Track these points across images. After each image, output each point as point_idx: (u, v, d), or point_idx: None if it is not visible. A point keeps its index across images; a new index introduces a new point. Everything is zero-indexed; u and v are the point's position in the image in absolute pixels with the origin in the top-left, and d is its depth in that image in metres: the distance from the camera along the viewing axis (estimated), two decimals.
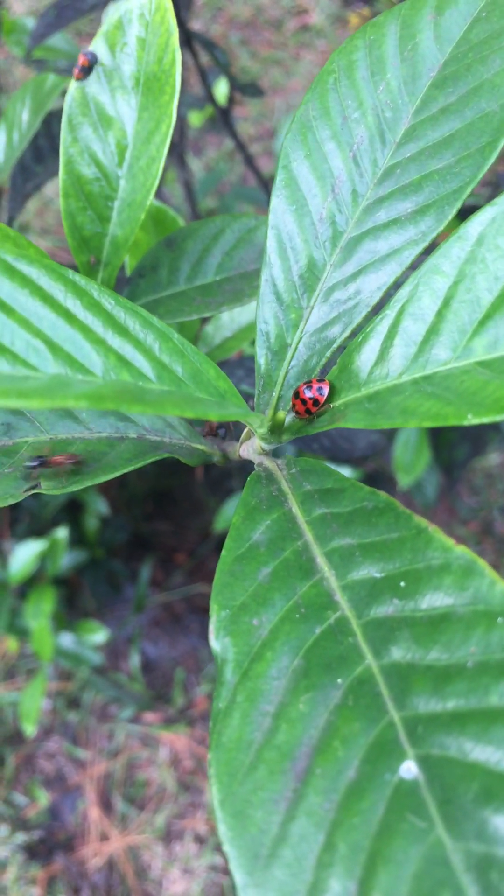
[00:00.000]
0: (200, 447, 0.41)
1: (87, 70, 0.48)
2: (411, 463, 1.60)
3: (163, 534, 2.09)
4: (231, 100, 0.96)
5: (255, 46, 2.77)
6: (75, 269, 0.49)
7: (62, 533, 1.65)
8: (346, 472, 1.56)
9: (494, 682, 0.25)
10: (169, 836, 1.78)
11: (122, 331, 0.31)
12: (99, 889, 1.73)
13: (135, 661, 1.95)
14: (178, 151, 1.13)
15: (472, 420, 0.28)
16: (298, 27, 2.81)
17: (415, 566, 0.29)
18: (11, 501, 0.35)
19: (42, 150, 0.81)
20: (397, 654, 0.28)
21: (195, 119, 1.50)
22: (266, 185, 1.08)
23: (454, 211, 0.36)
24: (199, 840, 1.78)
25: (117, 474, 0.36)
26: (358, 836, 0.24)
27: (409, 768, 0.25)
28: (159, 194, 1.37)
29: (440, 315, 0.33)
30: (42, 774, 1.88)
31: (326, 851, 0.24)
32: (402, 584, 0.29)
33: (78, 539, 1.84)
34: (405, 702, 0.26)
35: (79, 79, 0.49)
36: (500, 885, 0.22)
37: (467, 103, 0.38)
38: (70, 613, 1.96)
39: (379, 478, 1.76)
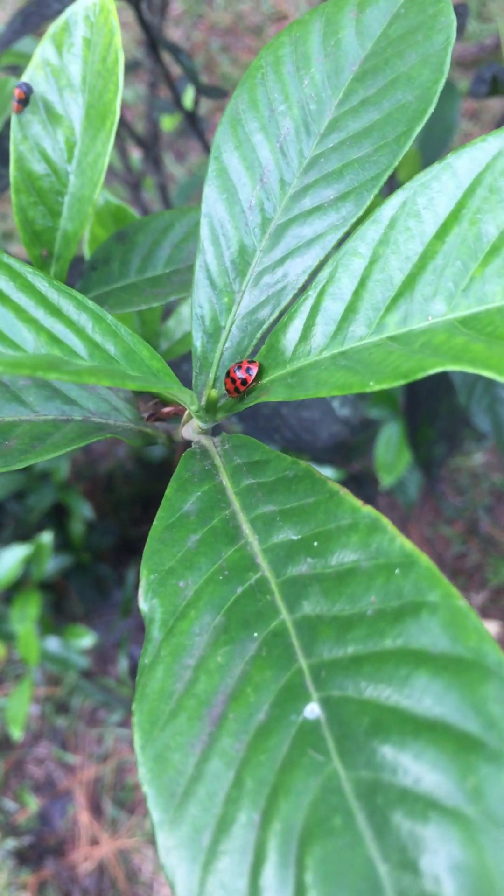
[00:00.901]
0: (146, 430, 0.43)
1: (24, 101, 0.50)
2: (392, 463, 1.62)
3: None
4: (196, 102, 0.98)
5: (236, 53, 2.80)
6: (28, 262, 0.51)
7: (47, 537, 1.67)
8: (328, 472, 1.58)
9: (389, 627, 0.27)
10: None
11: (55, 311, 0.33)
12: (90, 893, 1.74)
13: (123, 665, 1.96)
14: (152, 155, 1.15)
15: (373, 387, 0.29)
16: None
17: (327, 527, 0.31)
18: None
19: (5, 153, 0.82)
20: (308, 607, 0.29)
21: (167, 123, 1.52)
22: None
23: (371, 197, 0.38)
24: None
25: (62, 452, 0.38)
26: (264, 771, 0.26)
27: (312, 709, 0.27)
28: (139, 200, 1.39)
29: (357, 294, 0.35)
30: (31, 780, 1.89)
31: (235, 787, 0.26)
32: (315, 543, 0.31)
33: (64, 544, 1.85)
34: (312, 650, 0.28)
35: (18, 111, 0.51)
36: (384, 808, 0.24)
37: (385, 95, 0.40)
38: (57, 618, 1.97)
39: (363, 478, 1.78)
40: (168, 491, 0.36)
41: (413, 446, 1.37)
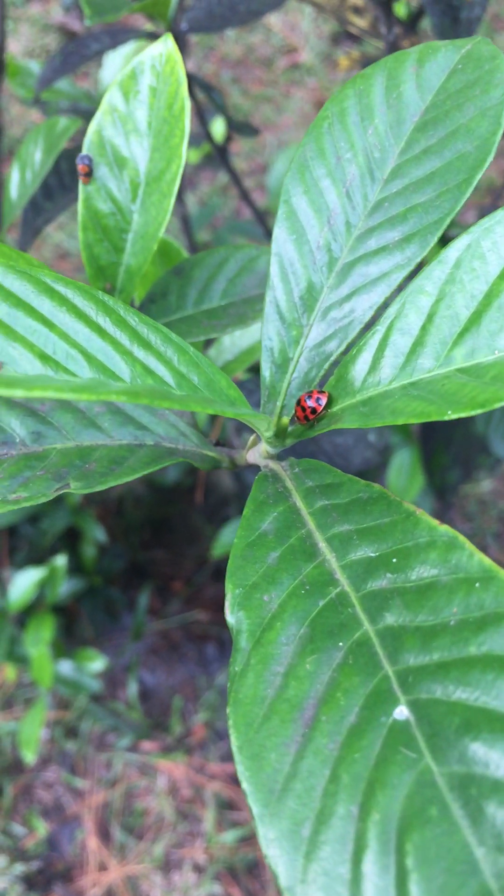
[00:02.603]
0: (211, 454, 0.46)
1: (89, 173, 0.54)
2: (405, 488, 1.64)
3: (160, 562, 2.12)
4: (228, 138, 1.02)
5: (247, 84, 2.85)
6: None
7: (61, 560, 1.68)
8: None
9: (473, 636, 0.29)
10: (168, 866, 1.79)
11: (146, 344, 0.36)
12: None
13: (132, 689, 1.97)
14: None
15: (451, 415, 0.32)
16: (288, 65, 2.90)
17: (405, 545, 0.34)
18: (44, 500, 0.39)
19: (51, 187, 0.86)
20: (390, 619, 0.32)
21: (192, 156, 1.56)
22: (261, 216, 1.14)
23: (436, 239, 0.41)
24: (198, 869, 1.78)
25: (138, 475, 0.41)
26: (358, 768, 0.28)
27: (401, 711, 0.29)
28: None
29: (424, 329, 0.38)
30: (40, 804, 1.89)
31: (332, 782, 0.28)
32: (394, 560, 0.34)
33: (76, 567, 1.87)
34: (397, 658, 0.31)
35: (87, 183, 0.54)
36: (478, 798, 0.26)
37: (446, 145, 0.43)
38: (68, 642, 1.98)
39: None
40: (246, 511, 0.38)
41: (427, 472, 1.39)
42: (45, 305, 0.34)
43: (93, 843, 1.83)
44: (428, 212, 0.42)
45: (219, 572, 2.11)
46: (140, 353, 0.35)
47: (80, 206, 0.52)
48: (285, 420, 0.42)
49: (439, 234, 0.41)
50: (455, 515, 2.13)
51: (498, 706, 0.27)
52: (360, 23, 0.75)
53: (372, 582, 0.34)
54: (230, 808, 1.81)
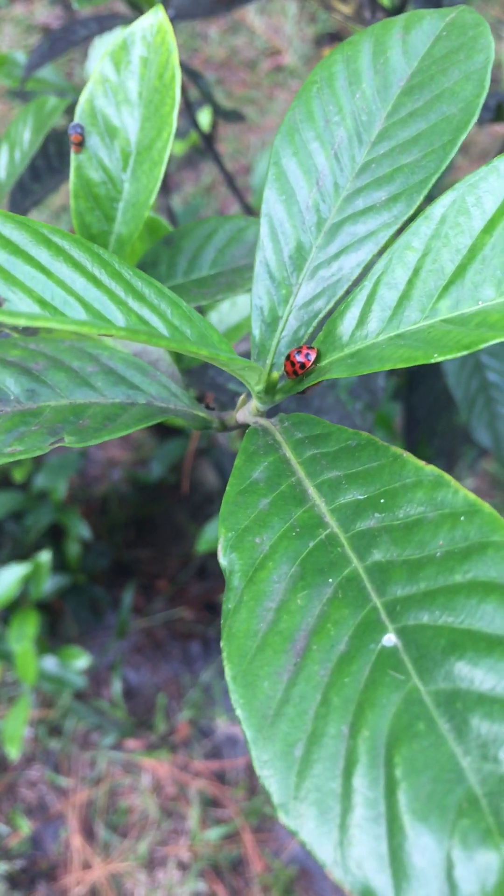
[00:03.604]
0: (201, 414, 0.47)
1: (82, 142, 0.55)
2: None
3: (144, 560, 2.12)
4: (214, 126, 1.03)
5: (231, 86, 2.87)
6: None
7: (46, 556, 1.68)
8: None
9: (458, 565, 0.30)
10: (152, 864, 1.79)
11: (140, 297, 0.37)
12: None
13: (116, 687, 1.96)
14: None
15: (437, 358, 0.33)
16: (272, 68, 2.92)
17: (392, 485, 0.35)
18: (39, 453, 0.40)
19: (39, 168, 0.87)
20: (378, 555, 0.33)
21: (178, 147, 1.57)
22: (249, 209, 1.15)
23: (421, 197, 0.42)
24: (183, 867, 1.78)
25: (131, 430, 0.41)
26: (348, 691, 0.29)
27: (389, 638, 0.30)
28: None
29: (410, 283, 0.39)
30: (24, 803, 1.88)
31: (323, 705, 0.29)
32: (382, 501, 0.34)
33: (60, 564, 1.87)
34: (385, 590, 0.32)
35: (78, 152, 0.55)
36: (463, 711, 0.27)
37: (431, 108, 0.44)
38: (52, 640, 1.97)
39: None
40: (237, 461, 0.39)
41: None
42: (42, 255, 0.35)
43: (77, 841, 1.82)
44: (414, 172, 0.43)
45: (203, 570, 2.11)
46: (134, 304, 0.36)
47: (71, 174, 0.53)
48: (275, 374, 0.43)
49: (425, 192, 0.42)
50: None
51: (482, 627, 0.28)
52: (345, 9, 0.77)
53: (360, 522, 0.35)
54: (214, 805, 1.81)
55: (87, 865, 1.81)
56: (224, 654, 0.32)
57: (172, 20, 0.84)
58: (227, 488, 0.38)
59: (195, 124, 0.95)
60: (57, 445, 0.40)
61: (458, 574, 0.30)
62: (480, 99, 0.42)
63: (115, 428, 0.42)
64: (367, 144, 0.46)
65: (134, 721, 1.94)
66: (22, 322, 0.25)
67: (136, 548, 2.12)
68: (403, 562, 0.32)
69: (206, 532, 1.68)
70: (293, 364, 0.43)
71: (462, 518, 0.32)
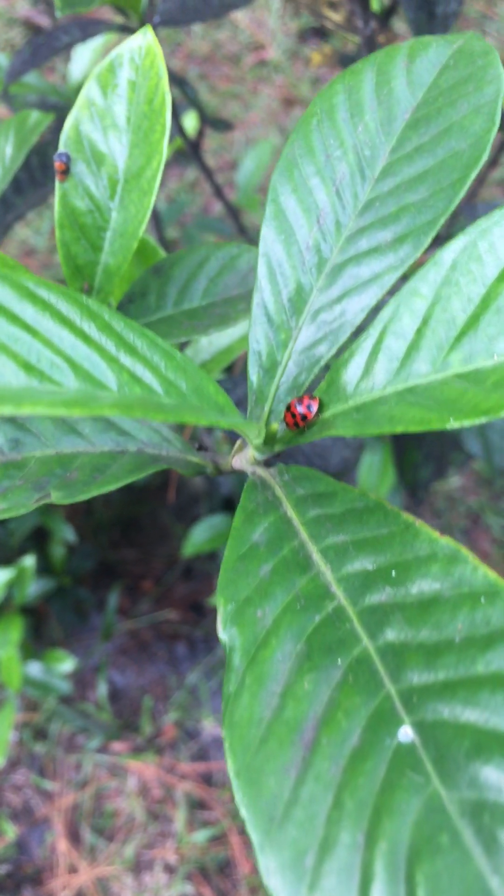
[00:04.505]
0: (195, 460, 0.44)
1: (66, 171, 0.52)
2: (376, 484, 1.64)
3: (130, 561, 2.10)
4: (201, 133, 1.00)
5: (214, 81, 2.83)
6: None
7: (30, 561, 1.66)
8: None
9: (480, 654, 0.28)
10: (139, 867, 1.78)
11: (132, 350, 0.34)
12: None
13: (102, 690, 1.95)
14: None
15: (453, 424, 0.31)
16: (256, 62, 2.88)
17: (404, 557, 0.33)
18: (24, 510, 0.37)
19: (21, 182, 0.84)
20: (391, 635, 0.31)
21: None
22: (234, 212, 1.12)
23: (429, 240, 0.40)
24: (169, 869, 1.77)
25: (121, 484, 0.39)
26: (363, 793, 0.27)
27: (406, 733, 0.28)
28: None
29: (419, 333, 0.37)
30: (8, 807, 1.87)
31: (335, 809, 0.27)
32: (394, 573, 0.32)
33: (44, 567, 1.84)
34: (400, 676, 0.30)
35: (63, 181, 0.53)
36: (492, 826, 0.25)
37: (439, 143, 0.42)
38: (36, 643, 1.95)
39: None
40: (235, 522, 0.37)
41: (399, 469, 1.39)
42: (27, 311, 0.32)
43: (63, 845, 1.81)
44: (421, 212, 0.41)
45: (189, 571, 2.09)
46: (126, 360, 0.34)
47: (56, 203, 0.51)
48: (275, 426, 0.41)
49: (433, 234, 0.40)
50: (424, 511, 2.13)
51: None
52: (335, 17, 0.74)
53: (370, 596, 0.32)
54: (201, 807, 1.80)
55: (73, 869, 1.80)
56: (226, 745, 0.30)
57: (157, 26, 0.81)
58: (226, 552, 0.36)
59: (181, 130, 0.92)
60: (42, 502, 0.38)
61: (480, 665, 0.28)
62: (491, 134, 0.39)
63: (104, 481, 0.39)
64: (370, 181, 0.43)
65: (120, 723, 1.93)
66: (7, 411, 0.23)
67: (122, 549, 2.10)
68: (419, 645, 0.30)
69: (193, 536, 1.66)
70: (293, 415, 0.41)
71: (482, 599, 0.30)
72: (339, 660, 0.31)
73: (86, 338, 0.33)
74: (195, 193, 2.55)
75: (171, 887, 1.73)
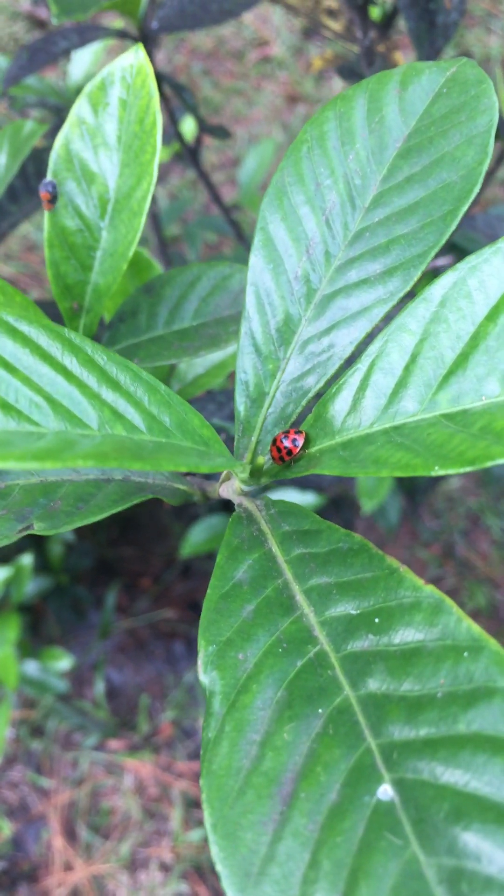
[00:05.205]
0: (182, 487, 0.44)
1: (53, 199, 0.51)
2: (374, 488, 1.63)
3: (128, 559, 2.10)
4: (199, 140, 0.99)
5: (218, 76, 2.82)
6: (58, 315, 0.52)
7: (27, 559, 1.66)
8: (310, 497, 1.59)
9: (462, 712, 0.28)
10: (134, 865, 1.78)
11: (115, 385, 0.34)
12: None
13: (99, 687, 1.95)
14: None
15: (438, 472, 0.30)
16: (260, 58, 2.87)
17: (388, 603, 0.32)
18: (6, 542, 0.37)
19: (16, 190, 0.83)
20: (373, 685, 0.30)
21: (162, 154, 1.53)
22: (229, 215, 1.11)
23: (419, 273, 0.39)
24: (165, 868, 1.77)
25: (106, 515, 0.38)
26: (340, 853, 0.26)
27: (385, 791, 0.27)
28: None
29: (407, 370, 0.36)
30: (5, 804, 1.87)
31: (312, 868, 0.26)
32: (377, 620, 0.32)
33: (42, 565, 1.84)
34: (381, 729, 0.29)
35: (49, 210, 0.52)
36: (469, 895, 0.24)
37: (430, 173, 0.41)
38: (34, 640, 1.95)
39: (342, 503, 1.79)
40: (219, 559, 0.36)
41: None
42: (7, 347, 0.32)
43: (58, 842, 1.81)
44: (411, 244, 0.40)
45: (187, 570, 2.09)
46: (109, 396, 0.33)
47: (46, 222, 0.50)
48: (261, 460, 0.40)
49: (423, 267, 0.39)
50: (423, 512, 2.13)
51: (489, 793, 0.26)
52: (335, 26, 0.73)
53: (353, 642, 0.32)
54: (197, 806, 1.80)
55: (68, 867, 1.80)
56: (203, 796, 0.29)
57: (156, 32, 0.80)
58: (209, 591, 0.35)
59: (179, 137, 0.91)
60: (25, 533, 0.37)
61: (462, 723, 0.27)
62: (483, 166, 0.39)
63: (88, 511, 0.39)
64: (360, 210, 0.43)
65: (117, 721, 1.93)
66: None
67: (120, 547, 2.10)
68: (401, 698, 0.29)
69: (191, 536, 1.66)
70: (279, 449, 0.40)
71: (465, 654, 0.29)
72: (320, 709, 0.30)
73: (67, 373, 0.33)
74: (197, 190, 2.53)
75: (167, 886, 1.73)
